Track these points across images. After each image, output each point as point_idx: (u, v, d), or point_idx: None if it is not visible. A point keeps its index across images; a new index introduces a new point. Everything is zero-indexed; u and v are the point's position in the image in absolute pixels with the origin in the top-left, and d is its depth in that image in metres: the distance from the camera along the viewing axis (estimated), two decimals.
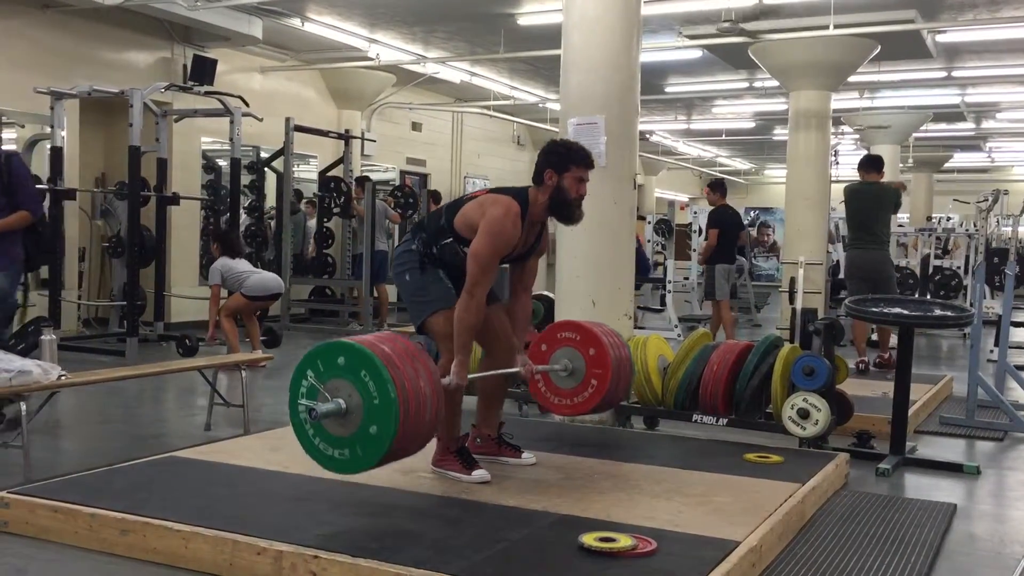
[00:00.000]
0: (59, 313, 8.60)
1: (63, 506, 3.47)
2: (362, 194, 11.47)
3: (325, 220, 12.36)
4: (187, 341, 8.16)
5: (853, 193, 8.11)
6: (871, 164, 8.12)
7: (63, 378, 4.52)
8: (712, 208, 10.13)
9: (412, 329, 4.39)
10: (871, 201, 7.98)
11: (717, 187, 10.21)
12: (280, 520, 3.38)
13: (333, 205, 11.82)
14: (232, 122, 9.35)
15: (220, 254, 8.01)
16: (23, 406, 4.29)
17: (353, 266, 12.02)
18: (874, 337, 8.66)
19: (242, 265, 8.01)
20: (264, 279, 8.00)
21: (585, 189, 4.01)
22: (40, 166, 8.94)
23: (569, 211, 3.99)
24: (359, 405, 3.23)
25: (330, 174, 12.34)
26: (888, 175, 14.02)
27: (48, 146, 8.68)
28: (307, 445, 3.38)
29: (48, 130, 8.66)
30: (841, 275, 12.38)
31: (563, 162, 3.95)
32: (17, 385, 4.28)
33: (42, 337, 4.89)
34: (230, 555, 3.13)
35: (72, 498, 3.54)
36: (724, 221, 9.94)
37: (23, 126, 9.29)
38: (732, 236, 10.02)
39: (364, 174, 12.42)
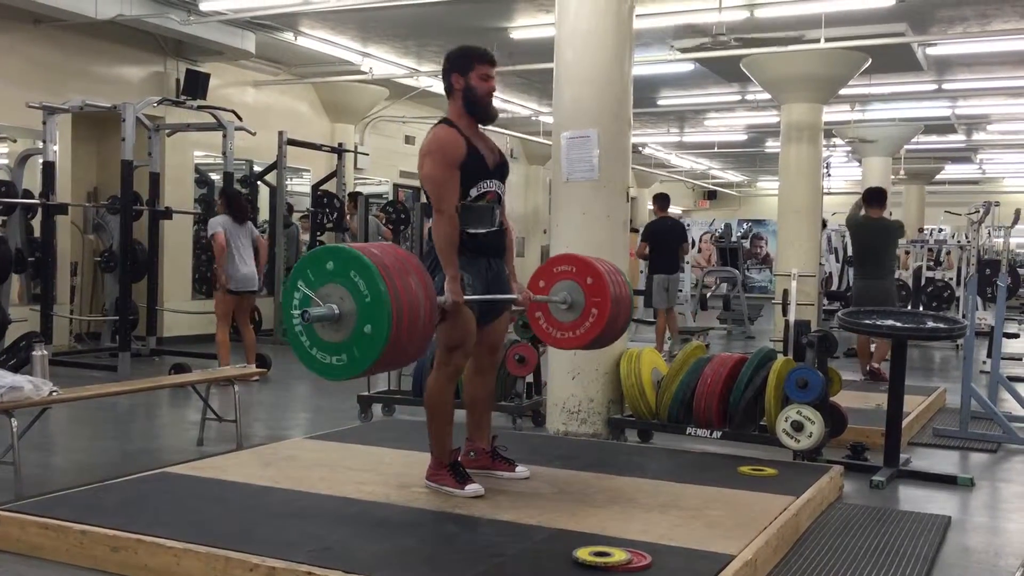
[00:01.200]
0: (51, 328, 8.57)
1: (54, 523, 3.45)
2: (355, 209, 11.46)
3: (319, 234, 12.36)
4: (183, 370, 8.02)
5: (860, 228, 8.25)
6: (876, 199, 8.27)
7: (54, 394, 4.49)
8: (650, 220, 10.29)
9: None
10: (879, 236, 8.14)
11: (657, 200, 10.37)
12: (273, 536, 3.36)
13: (326, 220, 11.81)
14: (225, 136, 9.35)
15: (224, 212, 7.79)
16: (14, 422, 4.26)
17: None
18: (872, 349, 8.69)
19: (243, 234, 7.74)
20: (247, 275, 7.81)
21: (493, 85, 4.05)
22: (32, 181, 8.92)
23: (483, 109, 4.03)
24: (352, 309, 3.20)
25: (323, 188, 12.34)
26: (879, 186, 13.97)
27: (40, 161, 8.67)
28: (304, 356, 3.33)
29: (40, 144, 8.65)
30: (833, 288, 12.48)
31: (465, 63, 4.02)
32: (8, 401, 4.25)
33: (33, 352, 4.87)
34: (222, 571, 3.11)
35: (63, 515, 3.52)
36: (655, 233, 10.07)
37: (15, 140, 9.29)
38: (669, 248, 10.12)
39: (356, 189, 12.41)
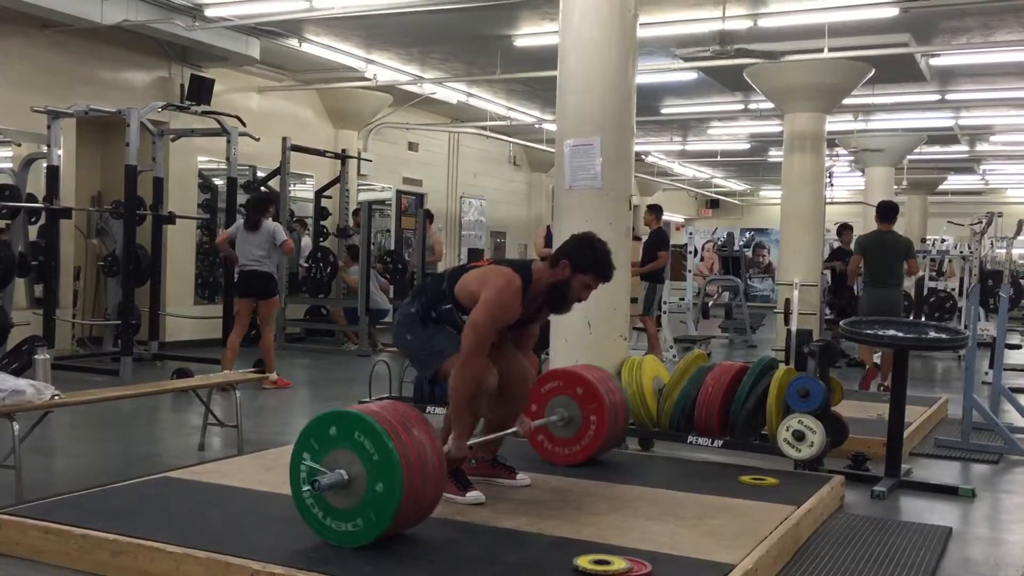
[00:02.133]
0: (53, 332, 8.57)
1: (55, 527, 3.45)
2: (352, 263, 11.46)
3: (321, 240, 12.38)
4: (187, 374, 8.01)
5: (873, 242, 8.54)
6: (888, 214, 8.59)
7: (56, 398, 4.50)
8: (653, 231, 10.32)
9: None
10: (889, 249, 8.42)
11: (654, 210, 10.41)
12: (273, 541, 3.37)
13: (320, 275, 11.75)
14: (229, 142, 9.37)
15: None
16: (15, 426, 4.27)
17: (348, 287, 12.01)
18: (877, 360, 8.71)
19: (250, 239, 7.76)
20: (242, 272, 7.90)
21: (588, 296, 3.99)
22: (36, 185, 8.94)
23: (562, 305, 4.02)
24: (361, 471, 3.21)
25: (324, 194, 12.36)
26: (883, 197, 14.12)
27: (45, 165, 8.69)
28: (318, 527, 3.32)
29: (45, 149, 8.67)
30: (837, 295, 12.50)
31: (585, 265, 3.91)
32: (10, 404, 4.26)
33: (35, 356, 4.87)
34: None
35: (64, 519, 3.52)
36: (667, 243, 10.14)
37: (20, 144, 9.30)
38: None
39: (354, 243, 12.00)
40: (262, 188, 11.35)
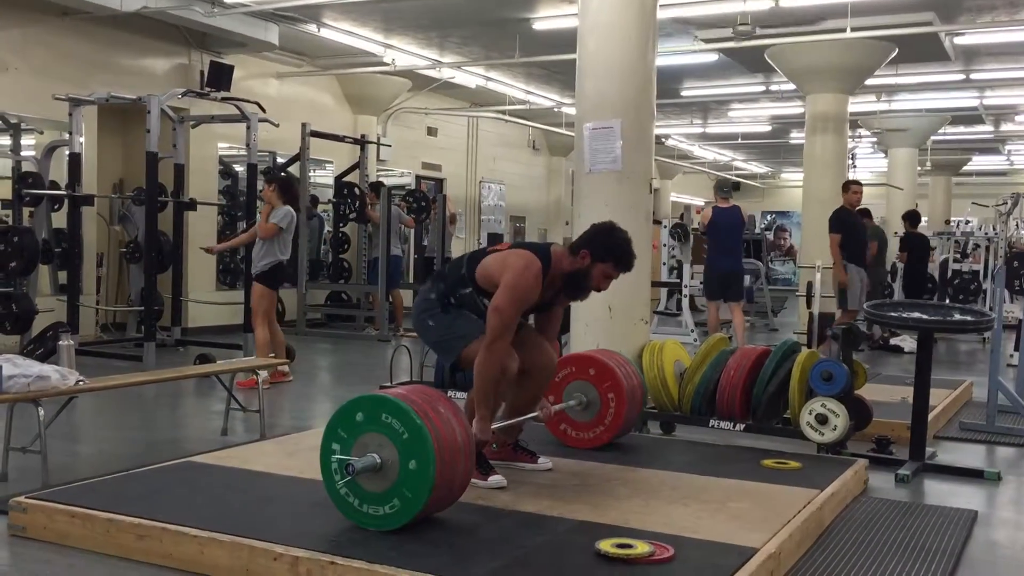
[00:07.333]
0: (77, 318, 8.63)
1: (80, 511, 3.49)
2: (376, 199, 11.50)
3: (341, 225, 12.40)
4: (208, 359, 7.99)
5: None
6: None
7: (81, 383, 4.53)
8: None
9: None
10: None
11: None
12: (296, 525, 3.38)
13: (348, 211, 11.87)
14: (249, 128, 9.37)
15: (283, 202, 7.31)
16: (41, 411, 4.31)
17: (368, 271, 12.04)
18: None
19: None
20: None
21: (607, 286, 3.99)
22: (59, 172, 8.99)
23: (579, 293, 4.01)
24: (392, 452, 3.23)
25: (345, 179, 12.38)
26: (906, 179, 14.39)
27: (67, 152, 8.73)
28: (355, 516, 3.33)
29: (67, 136, 8.71)
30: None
31: (605, 255, 3.91)
32: (35, 390, 4.30)
33: (60, 342, 4.90)
34: (246, 560, 3.13)
35: (89, 503, 3.55)
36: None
37: (42, 132, 9.35)
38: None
39: (378, 179, 12.44)
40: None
